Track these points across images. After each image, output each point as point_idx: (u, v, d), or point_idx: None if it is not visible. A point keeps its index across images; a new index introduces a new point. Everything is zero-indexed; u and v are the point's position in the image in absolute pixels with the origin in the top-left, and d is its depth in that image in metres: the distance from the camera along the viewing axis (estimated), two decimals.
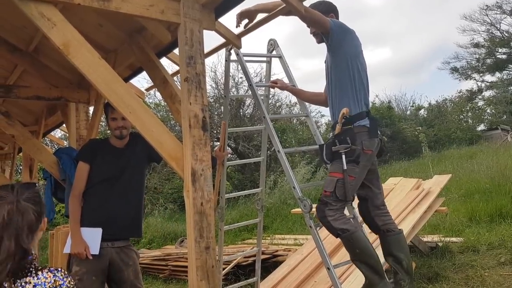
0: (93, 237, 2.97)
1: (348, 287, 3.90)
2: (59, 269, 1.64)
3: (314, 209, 3.02)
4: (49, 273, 1.59)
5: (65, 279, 1.61)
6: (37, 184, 1.78)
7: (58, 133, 13.95)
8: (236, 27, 3.16)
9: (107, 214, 3.03)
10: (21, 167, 7.72)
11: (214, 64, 19.73)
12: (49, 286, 1.56)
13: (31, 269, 1.59)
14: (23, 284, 1.55)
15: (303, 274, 4.52)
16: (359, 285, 3.86)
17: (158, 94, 14.29)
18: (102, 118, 4.29)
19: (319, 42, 3.22)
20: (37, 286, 1.54)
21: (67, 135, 5.05)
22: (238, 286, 4.10)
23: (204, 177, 2.36)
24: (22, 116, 6.16)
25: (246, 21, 3.13)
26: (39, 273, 1.58)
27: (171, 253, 7.08)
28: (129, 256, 3.12)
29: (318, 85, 3.14)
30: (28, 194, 1.65)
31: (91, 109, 4.44)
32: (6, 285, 1.55)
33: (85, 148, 3.33)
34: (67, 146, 4.89)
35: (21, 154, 7.38)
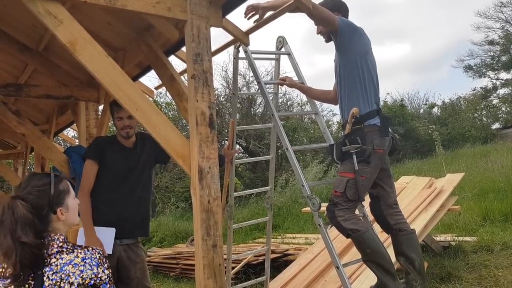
0: (106, 236, 2.96)
1: (359, 286, 3.85)
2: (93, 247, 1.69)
3: (323, 208, 2.99)
4: (93, 250, 1.64)
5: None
6: (51, 175, 1.75)
7: (70, 133, 14.08)
8: (247, 19, 3.13)
9: (116, 214, 3.03)
10: (34, 166, 7.80)
11: (225, 63, 19.59)
12: (96, 261, 1.60)
13: (68, 246, 1.61)
14: (66, 262, 1.56)
15: (314, 273, 4.49)
16: (370, 285, 3.82)
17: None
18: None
19: (327, 41, 3.19)
20: (87, 260, 1.58)
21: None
22: (247, 285, 4.08)
23: (211, 174, 2.35)
24: (34, 115, 6.23)
25: (256, 16, 3.10)
26: (85, 249, 1.62)
27: (182, 252, 7.10)
28: (136, 253, 3.12)
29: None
30: (31, 189, 1.65)
31: (101, 107, 4.46)
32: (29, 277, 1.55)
33: (93, 146, 3.29)
34: (77, 144, 4.91)
35: (33, 153, 7.46)
